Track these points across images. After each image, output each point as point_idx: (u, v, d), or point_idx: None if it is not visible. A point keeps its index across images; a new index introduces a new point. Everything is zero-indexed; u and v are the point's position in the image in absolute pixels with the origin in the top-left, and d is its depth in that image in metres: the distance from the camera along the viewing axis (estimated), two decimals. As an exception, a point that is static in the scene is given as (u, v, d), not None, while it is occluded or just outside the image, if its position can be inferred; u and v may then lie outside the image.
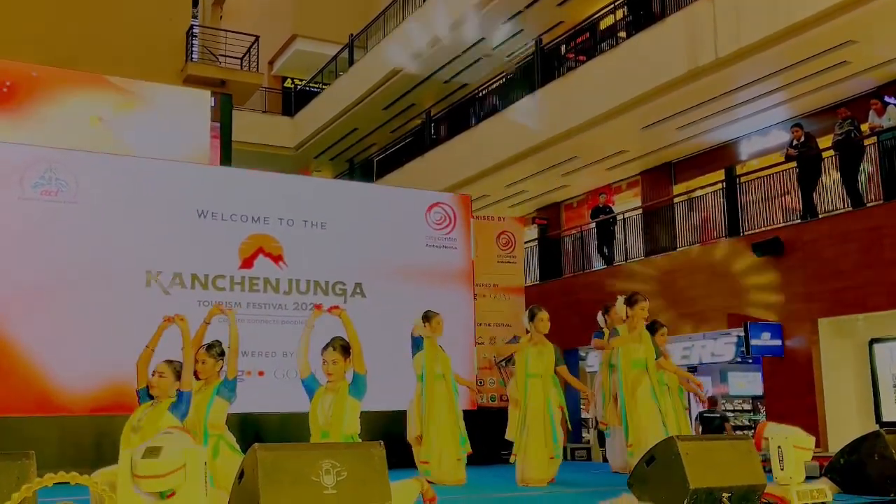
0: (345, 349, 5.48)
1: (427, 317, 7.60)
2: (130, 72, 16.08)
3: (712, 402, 13.76)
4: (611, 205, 16.53)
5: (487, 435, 9.20)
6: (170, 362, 5.24)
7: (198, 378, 5.46)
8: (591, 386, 8.75)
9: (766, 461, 5.47)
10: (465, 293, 10.43)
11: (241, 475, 4.20)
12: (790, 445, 5.38)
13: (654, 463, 5.27)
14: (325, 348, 5.51)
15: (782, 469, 5.34)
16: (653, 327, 7.74)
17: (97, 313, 8.44)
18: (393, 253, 9.94)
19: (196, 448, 4.08)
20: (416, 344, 7.57)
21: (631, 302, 7.33)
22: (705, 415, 12.71)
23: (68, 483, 2.73)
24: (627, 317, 7.37)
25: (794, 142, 12.23)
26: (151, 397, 5.25)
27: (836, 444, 9.73)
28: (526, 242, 14.73)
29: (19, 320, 8.15)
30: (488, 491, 6.89)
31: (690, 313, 13.16)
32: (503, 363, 10.92)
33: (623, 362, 7.28)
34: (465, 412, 9.02)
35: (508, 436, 7.57)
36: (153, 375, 5.22)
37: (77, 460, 6.75)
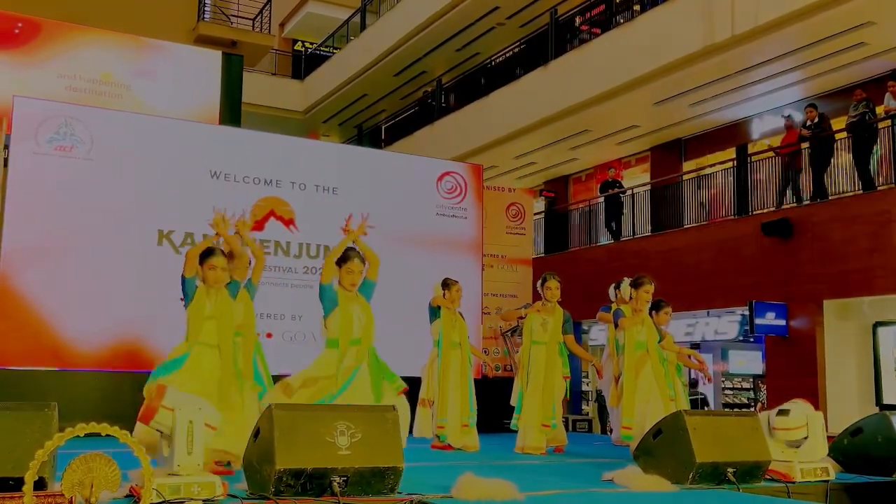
0: (363, 260, 5.73)
1: (446, 284, 7.71)
2: (142, 29, 16.00)
3: (692, 383, 13.88)
4: (620, 179, 16.51)
5: (490, 404, 9.28)
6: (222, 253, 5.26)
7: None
8: (601, 359, 8.79)
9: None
10: (473, 263, 10.48)
11: (256, 433, 4.27)
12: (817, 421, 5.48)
13: (661, 436, 5.33)
14: (347, 259, 5.69)
15: (777, 443, 5.44)
16: (657, 306, 7.79)
17: (109, 270, 8.51)
18: (403, 220, 9.97)
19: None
20: (433, 312, 7.66)
21: (636, 284, 7.35)
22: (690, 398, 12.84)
23: (99, 434, 2.78)
24: (631, 298, 7.39)
25: (808, 122, 12.19)
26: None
27: (835, 426, 9.80)
28: (533, 215, 14.75)
29: (31, 275, 8.22)
30: (488, 458, 6.96)
31: (696, 290, 13.19)
32: (509, 333, 11.00)
33: (627, 345, 7.31)
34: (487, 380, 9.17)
35: (512, 402, 7.70)
36: (210, 269, 5.15)
37: (90, 414, 6.83)
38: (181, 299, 5.24)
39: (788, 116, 13.27)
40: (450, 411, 7.48)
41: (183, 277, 5.19)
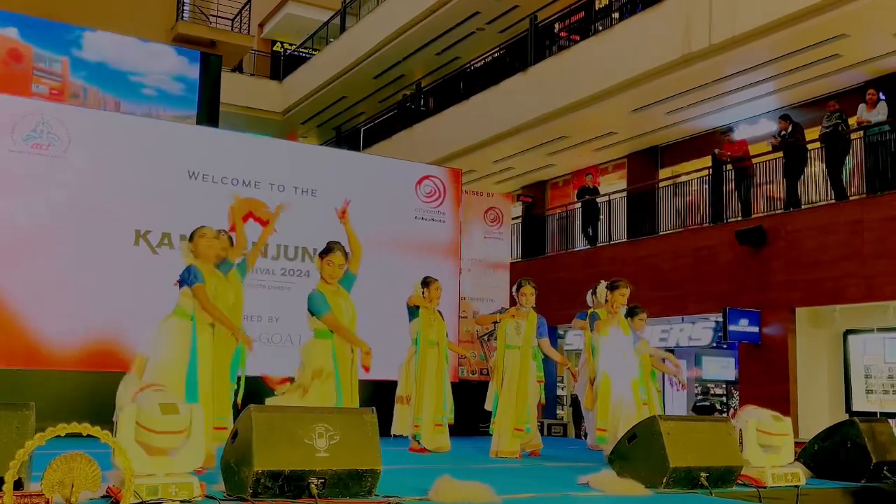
0: (345, 254, 5.96)
1: (426, 282, 7.76)
2: (121, 28, 15.92)
3: (704, 390, 14.07)
4: (597, 185, 16.62)
5: (467, 407, 9.32)
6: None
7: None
8: (576, 364, 8.85)
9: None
10: (451, 267, 10.50)
11: (234, 435, 4.27)
12: (751, 428, 5.56)
13: (636, 440, 5.39)
14: (329, 251, 5.93)
15: (741, 452, 5.52)
16: (633, 311, 7.87)
17: (85, 270, 8.44)
18: (382, 223, 9.97)
19: (196, 406, 4.16)
20: (412, 311, 7.70)
21: (612, 287, 7.41)
22: (699, 404, 13.01)
23: (80, 434, 2.78)
24: (607, 301, 7.45)
25: (782, 132, 12.36)
26: None
27: (806, 432, 9.96)
28: (511, 219, 14.81)
29: (6, 274, 8.14)
30: (464, 461, 6.98)
31: (671, 297, 13.32)
32: (485, 337, 11.04)
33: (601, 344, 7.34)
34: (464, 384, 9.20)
35: (487, 406, 7.73)
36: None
37: (65, 414, 6.78)
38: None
39: (729, 129, 13.63)
40: (424, 410, 7.51)
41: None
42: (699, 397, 13.08)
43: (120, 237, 8.70)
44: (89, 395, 7.79)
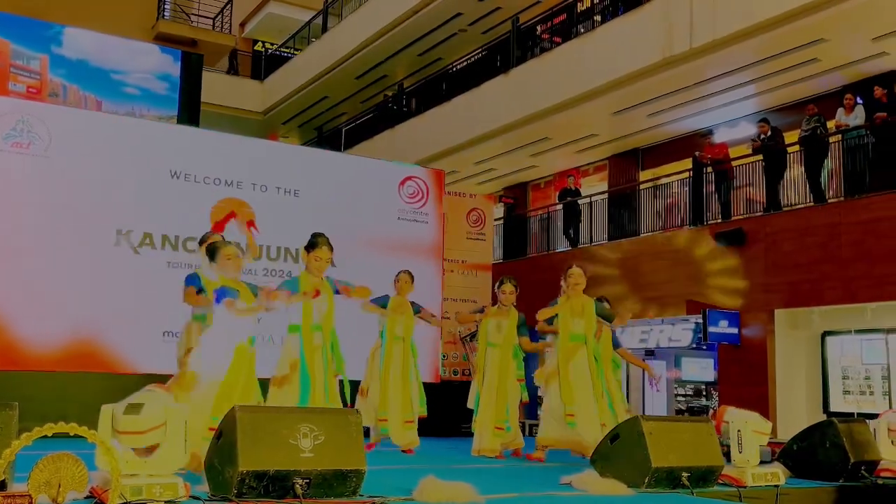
0: (331, 248, 6.18)
1: (396, 277, 7.77)
2: (101, 26, 15.82)
3: (697, 392, 14.19)
4: (578, 187, 16.69)
5: (449, 408, 9.34)
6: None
7: None
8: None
9: (723, 445, 5.67)
10: (433, 268, 10.52)
11: (219, 435, 4.26)
12: (749, 430, 5.59)
13: (618, 441, 5.42)
14: (314, 247, 6.13)
15: (741, 452, 5.55)
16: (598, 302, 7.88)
17: (65, 269, 8.38)
18: (364, 224, 9.99)
19: (177, 406, 4.13)
20: (380, 303, 7.60)
21: (565, 275, 7.38)
22: (694, 406, 13.12)
23: (67, 434, 2.77)
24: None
25: (761, 136, 12.47)
26: None
27: (784, 432, 10.05)
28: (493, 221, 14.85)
29: (-15, 273, 8.07)
30: (444, 461, 6.99)
31: (651, 298, 13.40)
32: (467, 338, 11.06)
33: (561, 335, 7.23)
34: (428, 385, 9.18)
35: (469, 405, 7.74)
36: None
37: (45, 415, 6.74)
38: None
39: (710, 132, 13.79)
40: (391, 407, 7.47)
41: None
42: (689, 398, 13.18)
43: (101, 237, 8.65)
44: (69, 396, 7.77)
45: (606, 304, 7.99)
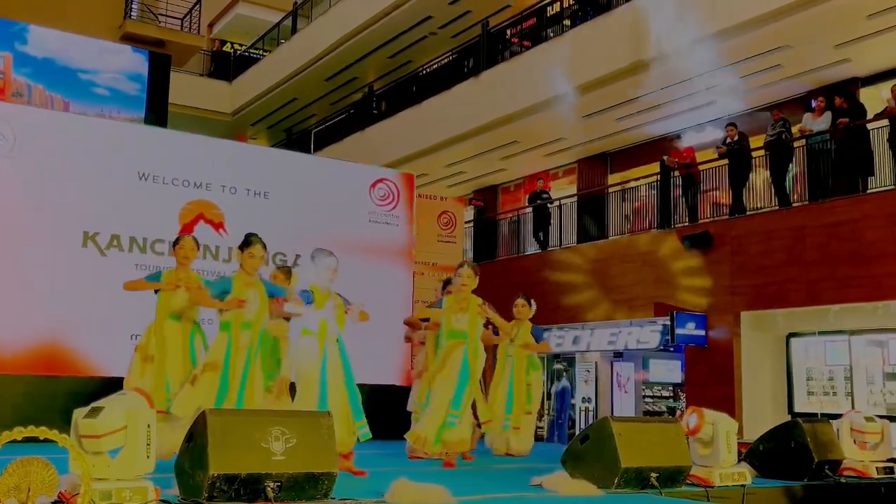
0: (264, 246, 6.28)
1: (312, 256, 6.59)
2: (68, 25, 15.63)
3: (674, 394, 14.39)
4: (548, 190, 16.79)
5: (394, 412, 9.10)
6: None
7: None
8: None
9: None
10: (404, 270, 10.52)
11: (189, 438, 4.23)
12: (733, 432, 5.71)
13: (588, 441, 5.48)
14: (248, 245, 6.20)
15: (729, 453, 5.64)
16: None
17: (30, 271, 8.26)
18: (335, 226, 9.95)
19: (141, 410, 4.07)
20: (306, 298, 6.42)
21: (455, 273, 7.23)
22: (671, 406, 13.29)
23: (37, 438, 2.75)
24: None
25: (728, 139, 12.63)
26: None
27: (750, 433, 10.17)
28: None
29: (-52, 275, 7.94)
30: (416, 464, 6.91)
31: (620, 300, 13.52)
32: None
33: (444, 332, 7.01)
34: (398, 387, 9.17)
35: (409, 407, 7.81)
36: None
37: (8, 419, 6.64)
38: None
39: (677, 136, 13.99)
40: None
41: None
42: (656, 399, 13.35)
43: (68, 238, 8.54)
44: (33, 400, 7.67)
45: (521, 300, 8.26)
